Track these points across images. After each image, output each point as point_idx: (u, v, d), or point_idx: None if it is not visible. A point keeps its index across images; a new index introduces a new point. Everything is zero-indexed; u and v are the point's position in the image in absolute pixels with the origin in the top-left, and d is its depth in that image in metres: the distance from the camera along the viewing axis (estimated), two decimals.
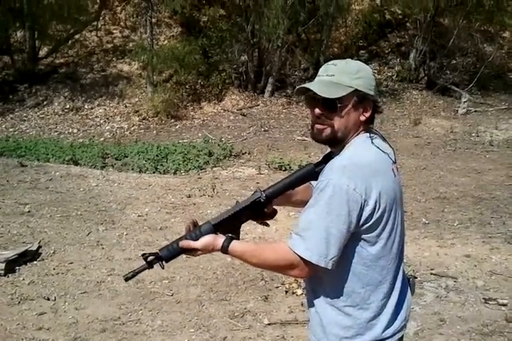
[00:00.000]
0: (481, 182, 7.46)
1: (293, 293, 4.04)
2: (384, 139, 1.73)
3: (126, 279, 1.79)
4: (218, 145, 9.72)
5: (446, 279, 4.35)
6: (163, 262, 1.75)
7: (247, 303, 3.92)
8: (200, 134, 11.33)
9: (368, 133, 1.65)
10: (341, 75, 1.60)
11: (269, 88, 13.21)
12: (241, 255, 1.67)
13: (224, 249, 1.67)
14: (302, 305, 3.81)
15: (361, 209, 1.53)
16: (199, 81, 13.48)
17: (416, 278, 4.22)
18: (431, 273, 4.45)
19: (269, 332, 3.54)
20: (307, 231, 1.54)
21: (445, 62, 14.27)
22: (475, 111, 12.49)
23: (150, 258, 1.74)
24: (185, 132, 11.74)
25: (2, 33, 14.99)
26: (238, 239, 1.76)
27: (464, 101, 12.63)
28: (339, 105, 1.59)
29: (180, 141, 10.60)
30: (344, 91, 1.58)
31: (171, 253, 1.74)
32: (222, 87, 13.24)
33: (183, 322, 3.64)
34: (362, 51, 14.98)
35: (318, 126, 1.65)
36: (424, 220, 5.85)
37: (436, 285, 4.25)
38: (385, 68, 14.50)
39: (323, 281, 1.67)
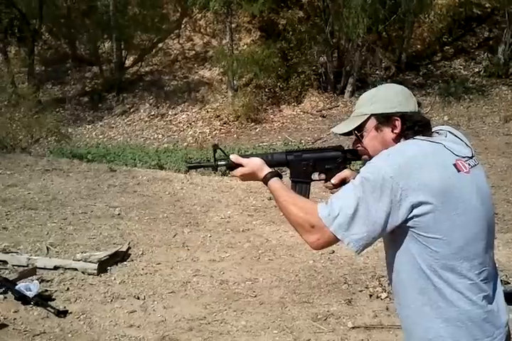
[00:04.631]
0: None
1: (377, 297, 3.95)
2: (454, 135, 1.70)
3: (189, 167, 1.97)
4: (298, 147, 9.72)
5: None
6: (228, 170, 1.89)
7: (330, 306, 3.88)
8: (279, 137, 11.38)
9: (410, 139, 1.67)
10: (360, 107, 1.74)
11: (349, 88, 13.05)
12: (277, 193, 1.72)
13: (265, 179, 1.77)
14: (387, 309, 3.72)
15: (396, 199, 1.49)
16: (278, 84, 13.55)
17: (509, 283, 3.99)
18: None
19: (353, 335, 3.49)
20: (337, 201, 1.55)
21: None
22: None
23: (221, 163, 1.85)
24: (265, 135, 11.84)
25: (92, 46, 15.87)
26: (307, 195, 1.82)
27: None
28: (359, 134, 1.72)
29: (260, 144, 10.71)
30: (359, 121, 1.71)
31: (229, 165, 1.84)
32: (301, 89, 13.23)
33: (266, 323, 3.66)
34: (446, 47, 14.43)
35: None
36: None
37: None
38: (472, 64, 13.88)
39: (399, 282, 1.64)
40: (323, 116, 12.36)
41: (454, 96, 12.44)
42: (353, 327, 3.57)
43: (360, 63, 13.27)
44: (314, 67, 13.49)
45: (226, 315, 3.78)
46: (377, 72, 14.05)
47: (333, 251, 4.69)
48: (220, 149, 1.87)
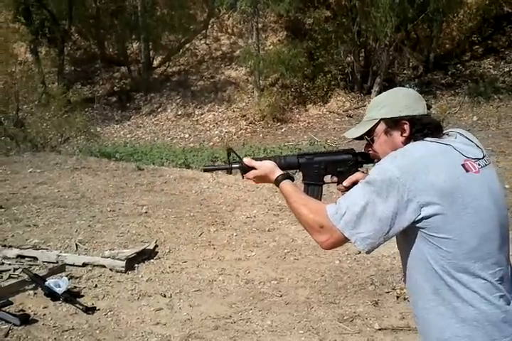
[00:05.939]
0: None
1: (404, 298, 3.91)
2: (464, 137, 1.70)
3: (205, 170, 2.04)
4: (324, 147, 9.69)
5: None
6: (241, 172, 1.92)
7: (357, 307, 3.85)
8: (305, 137, 11.35)
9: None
10: (370, 111, 1.78)
11: (376, 88, 12.94)
12: (287, 195, 1.76)
13: (277, 182, 1.82)
14: None
15: (403, 199, 1.50)
16: (304, 83, 13.53)
17: None
18: None
19: (380, 337, 3.46)
20: (345, 201, 1.58)
21: None
22: None
23: (234, 165, 1.90)
24: (291, 135, 11.81)
25: (120, 46, 16.07)
26: (319, 197, 1.84)
27: None
28: (369, 138, 1.76)
29: (286, 144, 10.70)
30: (368, 126, 1.74)
31: (242, 168, 1.89)
32: (327, 88, 13.18)
33: (292, 323, 3.66)
34: (476, 46, 14.21)
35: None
36: None
37: None
38: (502, 63, 13.64)
39: (413, 282, 1.64)
40: (350, 116, 12.29)
41: (483, 96, 12.24)
42: (379, 329, 3.54)
43: (388, 63, 13.15)
44: (341, 67, 13.43)
45: (252, 314, 3.79)
46: (405, 71, 13.91)
47: (360, 252, 4.66)
48: (234, 152, 1.93)
